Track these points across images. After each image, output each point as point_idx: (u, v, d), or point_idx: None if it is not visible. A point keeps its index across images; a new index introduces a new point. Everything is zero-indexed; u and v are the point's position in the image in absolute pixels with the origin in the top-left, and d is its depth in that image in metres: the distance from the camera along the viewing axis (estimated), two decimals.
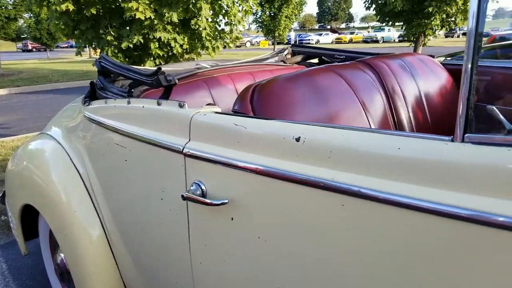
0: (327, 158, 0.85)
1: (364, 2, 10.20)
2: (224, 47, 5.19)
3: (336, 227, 0.84)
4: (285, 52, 2.72)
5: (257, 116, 1.08)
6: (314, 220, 0.87)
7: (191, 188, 1.09)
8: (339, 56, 2.58)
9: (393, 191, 0.75)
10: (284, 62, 2.66)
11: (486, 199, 0.67)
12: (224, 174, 1.04)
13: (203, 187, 1.09)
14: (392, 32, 34.45)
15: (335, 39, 39.13)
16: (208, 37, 4.74)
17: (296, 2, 21.92)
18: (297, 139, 0.89)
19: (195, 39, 4.79)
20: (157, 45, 4.50)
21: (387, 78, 1.69)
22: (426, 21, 8.34)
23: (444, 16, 8.23)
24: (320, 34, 42.85)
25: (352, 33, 42.85)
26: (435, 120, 1.80)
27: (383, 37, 35.07)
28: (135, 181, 1.35)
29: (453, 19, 8.46)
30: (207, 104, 1.24)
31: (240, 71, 2.21)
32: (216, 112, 1.13)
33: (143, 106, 1.29)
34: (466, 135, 0.72)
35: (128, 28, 4.25)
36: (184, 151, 1.12)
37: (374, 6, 9.81)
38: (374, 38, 35.54)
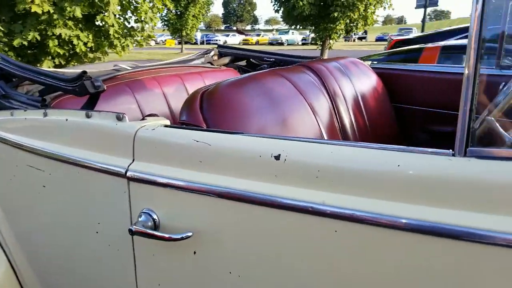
0: (315, 178, 0.75)
1: (273, 5, 10.48)
2: (135, 45, 4.85)
3: (329, 257, 0.74)
4: (212, 54, 2.58)
5: (222, 130, 0.94)
6: (301, 250, 0.76)
7: (140, 219, 0.91)
8: (269, 59, 2.53)
9: (394, 213, 0.68)
10: (212, 64, 2.52)
11: (497, 217, 0.63)
12: (182, 201, 0.88)
13: (154, 217, 0.91)
14: (296, 35, 36.19)
15: (242, 40, 39.77)
16: (116, 35, 4.37)
17: (203, 2, 21.73)
18: (277, 157, 0.77)
19: (101, 36, 4.38)
20: (57, 43, 4.01)
21: (328, 80, 1.68)
22: (331, 25, 8.85)
23: (348, 21, 8.82)
24: (227, 35, 43.22)
25: (258, 35, 44.03)
26: (372, 123, 1.83)
27: (287, 40, 36.63)
28: (58, 212, 1.11)
29: (355, 24, 9.12)
30: (148, 115, 1.06)
31: (166, 73, 2.03)
32: (166, 126, 0.96)
33: (67, 119, 1.05)
34: (468, 149, 0.68)
35: (21, 23, 3.69)
36: (127, 174, 0.93)
37: (282, 9, 10.12)
38: (279, 41, 36.93)
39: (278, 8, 10.37)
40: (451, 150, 0.69)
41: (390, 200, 0.69)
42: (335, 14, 8.50)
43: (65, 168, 1.04)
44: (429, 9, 15.43)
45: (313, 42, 10.29)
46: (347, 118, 1.68)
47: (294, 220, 0.76)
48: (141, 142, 0.93)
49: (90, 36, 4.23)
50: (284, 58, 2.54)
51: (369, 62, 2.27)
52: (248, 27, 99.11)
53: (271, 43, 37.10)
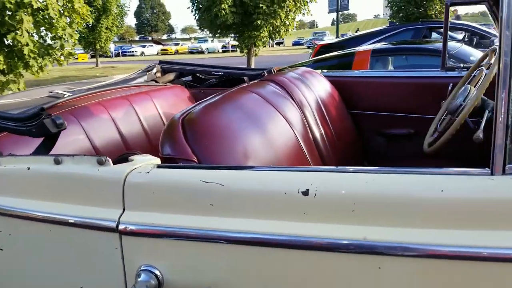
0: (351, 212, 0.69)
1: (194, 15, 10.35)
2: (55, 65, 4.45)
3: None
4: (154, 70, 2.42)
5: (233, 165, 0.84)
6: None
7: (140, 279, 0.78)
8: (217, 73, 2.44)
9: (446, 241, 0.65)
10: (156, 81, 2.36)
11: None
12: (191, 251, 0.77)
13: (157, 273, 0.79)
14: (216, 43, 36.25)
15: (161, 50, 38.84)
16: (32, 54, 3.96)
17: (115, 13, 20.81)
18: (305, 193, 0.70)
19: (14, 57, 3.94)
20: None
21: (294, 92, 1.66)
22: (256, 33, 8.98)
23: (271, 28, 9.02)
24: (144, 46, 41.86)
25: (176, 44, 43.31)
26: (336, 130, 1.84)
27: (207, 48, 36.55)
28: (24, 279, 0.92)
29: (277, 30, 9.36)
30: (128, 153, 0.93)
31: (111, 96, 1.85)
32: (159, 166, 0.84)
33: (29, 168, 0.87)
34: (508, 166, 0.66)
35: None
36: (119, 227, 0.79)
37: (204, 18, 10.03)
38: (200, 49, 36.69)
39: (200, 17, 10.27)
40: (487, 169, 0.68)
41: (440, 228, 0.65)
42: (258, 22, 8.64)
43: (31, 226, 0.86)
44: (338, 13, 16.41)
45: (233, 49, 10.32)
46: (316, 128, 1.67)
47: (331, 261, 0.69)
48: (134, 188, 0.80)
49: (1, 58, 3.79)
50: (232, 71, 2.47)
51: (319, 71, 2.29)
52: (165, 37, 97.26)
53: (191, 52, 36.75)
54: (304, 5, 9.38)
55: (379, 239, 0.67)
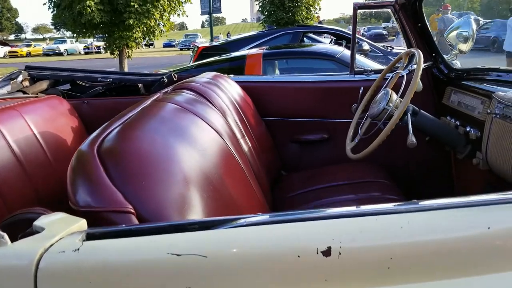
0: (386, 270, 0.52)
1: (52, 12, 9.16)
2: None
3: None
4: (20, 78, 1.93)
5: (215, 220, 0.59)
6: None
7: None
8: (104, 80, 2.06)
9: None
10: (25, 92, 1.88)
11: None
12: None
13: None
14: (77, 44, 33.12)
15: (8, 52, 33.87)
16: None
17: None
18: (326, 252, 0.51)
19: None
20: None
21: (214, 99, 1.48)
22: (128, 33, 8.33)
23: (145, 28, 8.48)
24: None
25: (28, 45, 38.28)
26: (254, 137, 1.70)
27: (67, 50, 33.16)
28: None
29: (152, 31, 8.86)
30: (20, 213, 0.62)
31: None
32: (90, 236, 0.55)
33: None
34: None
35: None
36: None
37: (65, 16, 8.94)
38: (57, 51, 33.06)
39: (59, 15, 9.13)
40: None
41: (492, 272, 0.53)
42: (131, 21, 8.04)
43: None
44: (207, 16, 16.64)
45: (97, 51, 9.52)
46: (241, 136, 1.52)
47: None
48: (53, 279, 0.50)
49: None
50: (123, 77, 2.13)
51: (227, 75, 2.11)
52: (12, 37, 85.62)
53: (47, 54, 32.89)
54: (179, 6, 9.09)
55: None
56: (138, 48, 9.48)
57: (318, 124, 2.06)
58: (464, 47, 1.81)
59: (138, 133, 0.91)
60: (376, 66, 3.65)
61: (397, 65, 1.75)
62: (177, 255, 0.50)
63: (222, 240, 0.53)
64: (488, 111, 1.39)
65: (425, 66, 1.74)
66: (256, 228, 0.55)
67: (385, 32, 15.23)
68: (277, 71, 3.79)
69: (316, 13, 13.83)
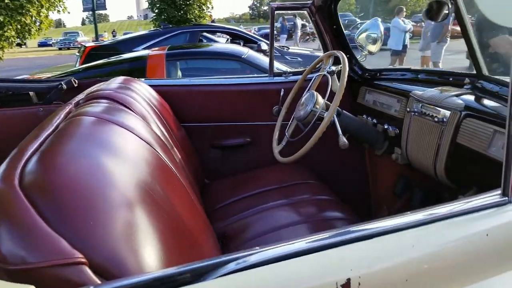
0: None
1: None
2: None
3: None
4: None
5: (208, 263, 0.49)
6: None
7: None
8: None
9: None
10: None
11: None
12: None
13: None
14: None
15: None
16: None
17: None
18: (346, 285, 0.47)
19: None
20: None
21: (134, 106, 1.33)
22: None
23: (19, 26, 7.51)
24: None
25: None
26: (177, 143, 1.59)
27: None
28: None
29: (27, 29, 7.89)
30: None
31: None
32: None
33: None
34: None
35: None
36: None
37: None
38: None
39: None
40: (501, 197, 0.60)
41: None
42: (1, 19, 7.04)
43: None
44: (88, 13, 15.60)
45: None
46: (169, 144, 1.39)
47: None
48: None
49: None
50: (9, 84, 1.83)
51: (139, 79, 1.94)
52: None
53: None
54: (59, 1, 8.24)
55: None
56: (11, 48, 8.36)
57: (240, 128, 2.02)
58: (374, 48, 1.93)
59: (63, 159, 0.75)
60: (280, 67, 3.75)
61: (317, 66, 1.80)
62: None
63: None
64: (408, 109, 1.49)
65: (340, 67, 1.81)
66: (261, 270, 0.47)
67: (275, 32, 15.97)
68: (179, 73, 3.66)
69: (208, 11, 13.80)
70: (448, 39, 6.82)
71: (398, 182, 1.90)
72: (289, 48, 6.49)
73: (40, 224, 0.56)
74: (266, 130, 1.99)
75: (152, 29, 9.39)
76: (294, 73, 2.01)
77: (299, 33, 14.30)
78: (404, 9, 7.53)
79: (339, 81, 1.59)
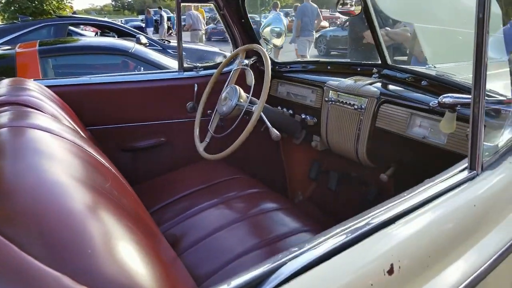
0: (426, 268, 0.55)
1: None
2: None
3: None
4: None
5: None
6: None
7: None
8: None
9: None
10: None
11: None
12: None
13: None
14: None
15: None
16: None
17: None
18: (390, 271, 0.50)
19: None
20: None
21: (46, 109, 1.16)
22: None
23: None
24: None
25: None
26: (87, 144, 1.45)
27: None
28: None
29: None
30: None
31: None
32: None
33: None
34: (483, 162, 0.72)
35: None
36: None
37: None
38: None
39: None
40: (468, 171, 0.70)
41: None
42: None
43: None
44: None
45: None
46: (91, 143, 1.25)
47: None
48: None
49: None
50: None
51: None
52: None
53: None
54: None
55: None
56: None
57: (152, 128, 1.91)
58: (278, 41, 2.02)
59: (8, 182, 0.63)
60: (172, 62, 3.64)
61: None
62: None
63: None
64: (326, 99, 1.60)
65: (253, 61, 1.85)
66: (311, 273, 0.47)
67: (143, 25, 15.37)
68: (51, 71, 3.28)
69: (68, 2, 12.57)
70: (314, 32, 7.35)
71: (312, 167, 2.03)
72: (170, 42, 6.32)
73: (32, 263, 0.46)
74: (182, 128, 1.92)
75: (5, 22, 8.19)
76: (206, 67, 1.98)
77: (165, 25, 13.96)
78: (279, 3, 7.91)
79: (253, 74, 1.62)
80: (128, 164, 1.92)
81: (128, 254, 0.61)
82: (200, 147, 1.65)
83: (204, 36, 11.00)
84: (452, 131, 1.07)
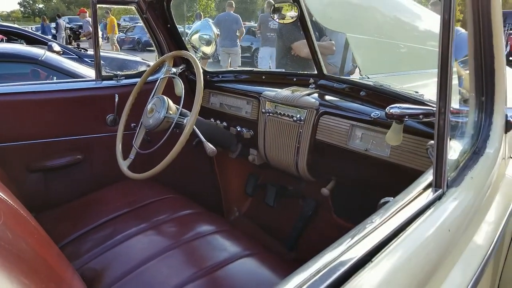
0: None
1: None
2: None
3: None
4: None
5: None
6: None
7: None
8: None
9: None
10: None
11: None
12: None
13: None
14: None
15: None
16: None
17: None
18: None
19: None
20: None
21: None
22: None
23: None
24: None
25: None
26: None
27: None
28: None
29: None
30: None
31: None
32: None
33: None
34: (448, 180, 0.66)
35: None
36: None
37: None
38: None
39: None
40: (433, 189, 0.64)
41: None
42: None
43: None
44: None
45: None
46: None
47: None
48: None
49: None
50: None
51: None
52: None
53: None
54: None
55: None
56: None
57: (66, 144, 1.68)
58: (208, 49, 1.90)
59: None
60: (89, 70, 3.34)
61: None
62: None
63: None
64: (263, 110, 1.51)
65: (181, 69, 1.71)
66: None
67: (54, 32, 14.45)
68: None
69: None
70: (237, 43, 7.17)
71: (248, 182, 1.93)
72: (87, 50, 5.90)
73: None
74: (101, 143, 1.71)
75: None
76: (127, 76, 1.79)
77: (63, 34, 13.14)
78: (202, 15, 7.80)
79: (182, 84, 1.49)
80: (37, 187, 1.66)
81: None
82: (124, 165, 1.47)
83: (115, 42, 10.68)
84: (398, 143, 1.03)
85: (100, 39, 8.95)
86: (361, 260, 0.46)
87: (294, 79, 1.61)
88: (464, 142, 0.81)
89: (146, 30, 1.81)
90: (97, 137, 1.72)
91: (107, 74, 1.77)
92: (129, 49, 15.68)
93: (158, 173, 1.35)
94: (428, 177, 0.65)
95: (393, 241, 0.51)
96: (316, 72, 1.53)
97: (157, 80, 1.59)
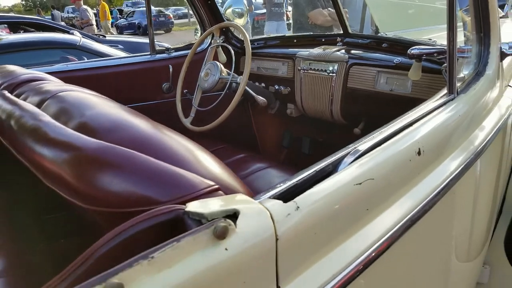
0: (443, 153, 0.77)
1: None
2: None
3: None
4: None
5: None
6: None
7: None
8: None
9: None
10: None
11: None
12: None
13: None
14: None
15: None
16: None
17: None
18: (419, 152, 0.70)
19: None
20: None
21: None
22: None
23: None
24: None
25: None
26: None
27: None
28: None
29: None
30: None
31: None
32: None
33: None
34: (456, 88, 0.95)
35: None
36: None
37: None
38: None
39: None
40: (447, 95, 0.93)
41: None
42: None
43: None
44: None
45: None
46: None
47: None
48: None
49: None
50: None
51: None
52: None
53: None
54: None
55: None
56: None
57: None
58: (241, 21, 2.18)
59: None
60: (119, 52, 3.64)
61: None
62: (358, 184, 0.57)
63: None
64: (299, 68, 1.79)
65: (223, 40, 1.99)
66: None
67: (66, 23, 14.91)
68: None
69: None
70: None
71: (284, 136, 2.23)
72: (105, 36, 6.18)
73: (165, 167, 0.58)
74: (159, 108, 2.02)
75: None
76: (177, 49, 2.08)
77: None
78: None
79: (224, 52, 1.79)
80: None
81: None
82: (187, 122, 1.78)
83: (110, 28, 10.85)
84: (418, 79, 1.31)
85: (95, 27, 9.00)
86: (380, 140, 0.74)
87: (323, 40, 1.88)
88: (469, 67, 1.09)
89: (189, 6, 2.09)
90: (155, 103, 2.02)
91: (160, 48, 2.07)
92: (130, 34, 16.17)
93: (217, 126, 1.65)
94: (444, 91, 0.94)
95: (414, 124, 0.79)
96: (341, 32, 1.81)
97: (203, 50, 1.89)
